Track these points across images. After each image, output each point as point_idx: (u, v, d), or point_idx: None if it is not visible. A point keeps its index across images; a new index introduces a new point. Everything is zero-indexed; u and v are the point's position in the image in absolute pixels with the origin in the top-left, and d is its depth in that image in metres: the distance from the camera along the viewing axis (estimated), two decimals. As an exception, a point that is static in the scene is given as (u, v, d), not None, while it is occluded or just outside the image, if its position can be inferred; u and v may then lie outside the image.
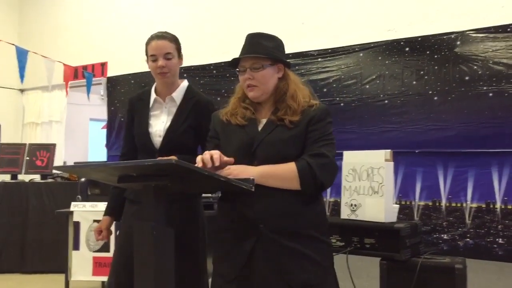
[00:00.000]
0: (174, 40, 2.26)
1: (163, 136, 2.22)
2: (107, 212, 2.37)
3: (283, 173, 1.71)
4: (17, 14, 7.38)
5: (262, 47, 1.81)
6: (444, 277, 2.32)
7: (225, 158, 1.66)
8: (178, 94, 2.28)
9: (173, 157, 1.57)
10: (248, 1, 5.19)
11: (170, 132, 2.22)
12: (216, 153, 1.64)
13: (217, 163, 1.62)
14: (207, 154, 1.63)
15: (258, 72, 1.81)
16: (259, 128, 1.82)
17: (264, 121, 1.83)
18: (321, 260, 1.74)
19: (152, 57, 2.22)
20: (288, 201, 1.72)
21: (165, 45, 2.21)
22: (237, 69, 1.87)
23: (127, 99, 2.49)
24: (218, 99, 4.93)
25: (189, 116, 2.25)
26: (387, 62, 4.22)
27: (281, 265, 1.69)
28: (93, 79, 6.20)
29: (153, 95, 2.31)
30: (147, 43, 2.25)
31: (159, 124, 2.26)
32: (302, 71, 4.55)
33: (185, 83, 2.33)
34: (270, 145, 1.75)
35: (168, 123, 2.24)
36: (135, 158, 2.29)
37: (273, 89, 1.85)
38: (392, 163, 2.50)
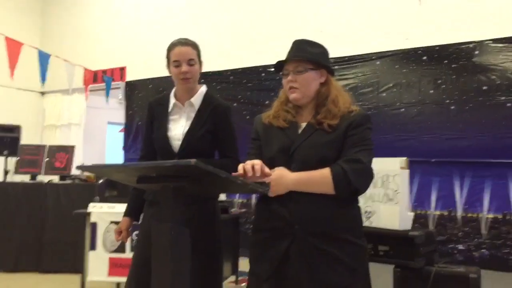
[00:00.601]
0: (196, 46, 2.32)
1: (181, 140, 2.26)
2: (126, 213, 2.41)
3: (318, 180, 1.73)
4: (39, 19, 7.54)
5: (306, 52, 1.87)
6: (458, 286, 2.31)
7: (266, 170, 1.68)
8: (197, 99, 2.33)
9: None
10: (268, 9, 5.22)
11: (188, 136, 2.26)
12: (257, 164, 1.67)
13: (258, 174, 1.65)
14: (248, 164, 1.66)
15: (301, 75, 1.85)
16: (299, 131, 1.85)
17: (304, 125, 1.87)
18: (354, 264, 1.75)
19: (175, 63, 2.27)
20: (323, 204, 1.74)
21: (188, 52, 2.26)
22: (281, 72, 1.93)
23: (146, 103, 2.53)
24: (235, 104, 4.99)
25: (207, 121, 2.29)
26: (404, 70, 4.22)
27: (314, 267, 1.71)
28: (112, 83, 6.30)
29: (172, 100, 2.35)
30: (170, 49, 2.30)
31: (178, 128, 2.30)
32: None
33: (203, 89, 2.38)
34: (308, 149, 1.79)
35: (187, 128, 2.28)
36: (153, 160, 2.34)
37: (314, 93, 1.88)
38: (407, 171, 2.51)
